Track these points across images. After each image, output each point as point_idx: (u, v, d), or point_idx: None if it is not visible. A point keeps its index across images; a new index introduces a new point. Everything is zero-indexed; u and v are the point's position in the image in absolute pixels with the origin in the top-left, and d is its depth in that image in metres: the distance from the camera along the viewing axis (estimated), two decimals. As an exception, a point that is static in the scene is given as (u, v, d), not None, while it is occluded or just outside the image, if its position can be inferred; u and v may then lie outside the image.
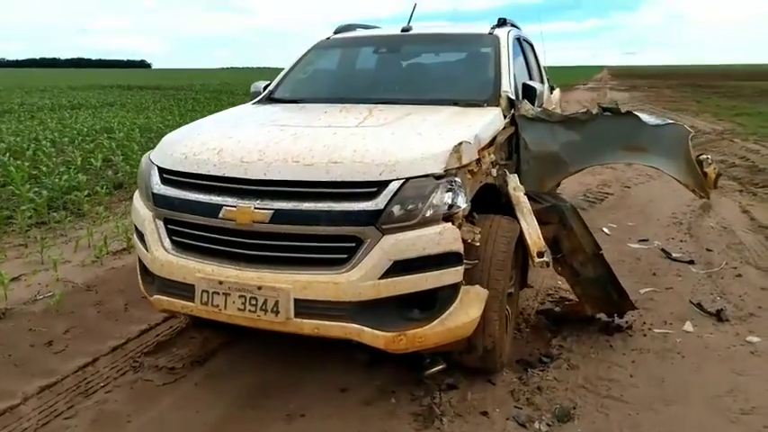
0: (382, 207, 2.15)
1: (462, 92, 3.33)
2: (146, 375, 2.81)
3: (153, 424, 2.44)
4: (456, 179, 2.33)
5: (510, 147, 3.18)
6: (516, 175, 3.00)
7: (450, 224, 2.23)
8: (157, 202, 2.48)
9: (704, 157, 2.92)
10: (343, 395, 2.66)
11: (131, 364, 2.91)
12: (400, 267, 2.17)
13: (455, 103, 3.11)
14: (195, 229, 2.38)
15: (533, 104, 3.30)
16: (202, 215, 2.33)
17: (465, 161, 2.39)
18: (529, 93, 3.32)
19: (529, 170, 3.26)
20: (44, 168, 6.82)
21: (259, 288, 2.21)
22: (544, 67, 5.23)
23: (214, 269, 2.29)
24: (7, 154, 7.83)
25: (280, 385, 2.72)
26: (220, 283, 2.27)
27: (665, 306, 3.65)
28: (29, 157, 7.71)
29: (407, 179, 2.20)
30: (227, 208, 2.25)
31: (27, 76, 66.68)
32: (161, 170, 2.51)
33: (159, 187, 2.47)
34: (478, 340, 2.58)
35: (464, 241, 2.41)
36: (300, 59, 3.90)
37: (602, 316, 3.38)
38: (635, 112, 3.02)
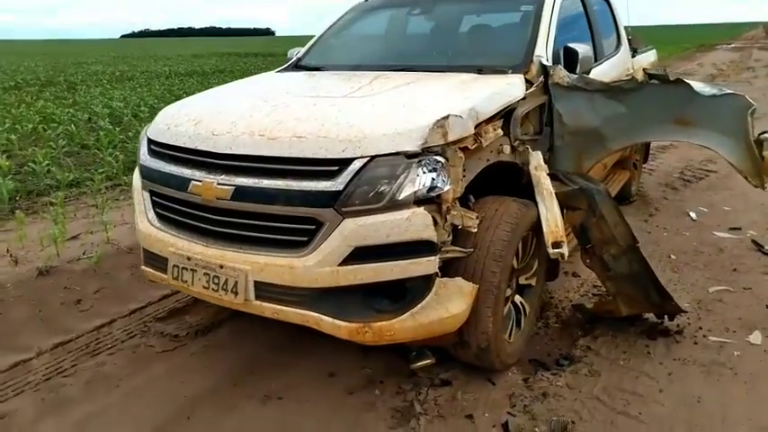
0: (341, 188, 1.95)
1: (490, 57, 2.97)
2: (150, 341, 2.88)
3: (136, 391, 2.49)
4: (437, 158, 2.06)
5: (540, 119, 2.80)
6: (539, 152, 2.63)
7: (420, 209, 1.98)
8: (143, 173, 2.47)
9: (766, 136, 2.36)
10: (328, 380, 2.55)
11: (141, 329, 3.00)
12: (362, 254, 1.97)
13: (479, 70, 2.78)
14: (172, 203, 2.34)
15: (575, 70, 2.87)
16: (175, 188, 2.28)
17: (453, 137, 2.11)
18: (570, 57, 2.89)
19: (563, 147, 2.85)
20: (131, 134, 7.30)
21: (221, 267, 2.13)
22: (627, 27, 4.60)
23: (184, 244, 2.25)
24: (107, 119, 8.49)
25: (270, 363, 2.66)
26: (188, 258, 2.22)
27: (734, 310, 3.11)
28: (126, 122, 8.30)
29: (373, 157, 1.98)
30: (194, 182, 2.18)
31: (162, 44, 72.43)
32: (149, 141, 2.49)
33: (145, 158, 2.46)
34: (471, 337, 2.33)
35: (455, 228, 2.16)
36: (333, 24, 3.71)
37: (650, 316, 2.95)
38: (686, 80, 2.50)
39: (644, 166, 5.84)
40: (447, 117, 2.09)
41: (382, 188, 1.96)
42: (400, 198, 1.97)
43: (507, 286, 2.44)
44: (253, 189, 2.06)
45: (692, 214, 4.74)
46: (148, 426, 2.26)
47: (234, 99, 2.64)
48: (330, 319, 2.03)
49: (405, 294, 2.07)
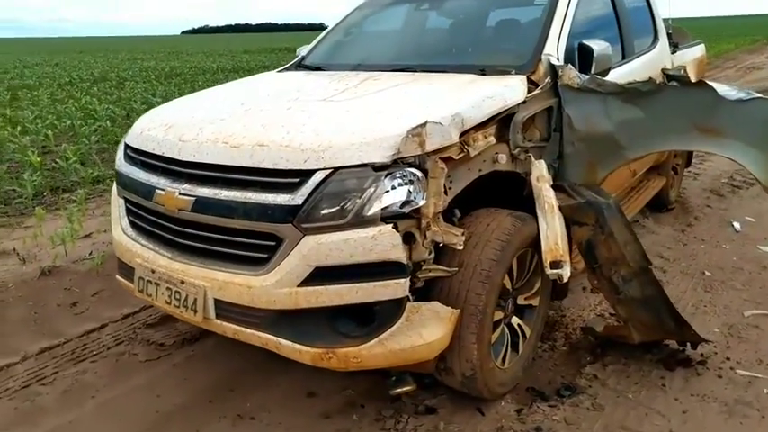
0: (301, 202, 1.79)
1: (495, 56, 2.74)
2: (135, 349, 2.81)
3: (110, 404, 2.41)
4: (412, 170, 1.87)
5: (548, 124, 2.55)
6: (542, 162, 2.39)
7: (387, 227, 1.79)
8: (117, 179, 2.38)
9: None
10: (306, 401, 2.40)
11: (130, 335, 2.93)
12: (323, 275, 1.80)
13: (482, 71, 2.56)
14: (142, 211, 2.24)
15: (589, 70, 2.60)
16: (143, 197, 2.17)
17: (432, 146, 1.91)
18: (584, 55, 2.63)
19: (574, 154, 2.59)
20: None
21: (182, 282, 2.01)
22: (667, 20, 4.23)
23: (150, 256, 2.14)
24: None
25: (250, 378, 2.54)
26: (153, 271, 2.11)
27: (770, 339, 2.78)
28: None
29: (336, 169, 1.80)
30: (158, 191, 2.06)
31: (218, 40, 74.16)
32: (125, 146, 2.40)
33: (120, 163, 2.37)
34: (455, 364, 2.13)
35: (436, 245, 1.97)
36: (340, 22, 3.54)
37: (672, 342, 2.66)
38: (708, 83, 2.20)
39: (687, 169, 5.44)
40: (424, 125, 1.89)
41: (345, 203, 1.78)
42: (366, 214, 1.79)
43: (496, 309, 2.22)
44: (213, 201, 1.92)
45: (736, 225, 4.34)
46: (114, 443, 2.18)
47: (214, 102, 2.51)
48: (290, 344, 1.88)
49: (373, 318, 1.89)
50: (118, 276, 2.44)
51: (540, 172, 2.36)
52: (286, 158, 1.83)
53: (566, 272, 2.26)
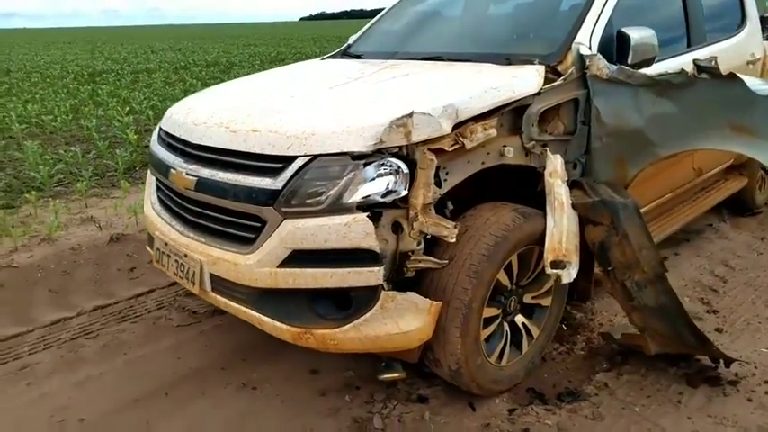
0: (281, 187, 1.86)
1: (523, 45, 2.64)
2: (171, 314, 3.06)
3: (138, 361, 2.65)
4: (394, 160, 1.87)
5: (575, 117, 2.41)
6: (559, 156, 2.28)
7: (362, 216, 1.81)
8: (150, 158, 2.59)
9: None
10: (307, 378, 2.49)
11: (170, 302, 3.19)
12: (300, 258, 1.87)
13: (508, 60, 2.48)
14: (164, 189, 2.43)
15: (626, 58, 2.43)
16: (162, 175, 2.35)
17: (419, 137, 1.90)
18: (622, 44, 2.45)
19: (602, 150, 2.44)
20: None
21: (185, 255, 2.17)
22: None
23: (165, 230, 2.32)
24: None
25: (263, 351, 2.67)
26: (166, 244, 2.29)
27: (824, 364, 2.47)
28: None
29: (316, 156, 1.85)
30: (172, 170, 2.23)
31: (333, 27, 76.27)
32: (159, 128, 2.60)
33: (153, 144, 2.57)
34: (441, 357, 2.13)
35: (425, 237, 1.97)
36: (389, 9, 3.54)
37: (705, 358, 2.45)
38: (739, 75, 1.97)
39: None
40: (410, 115, 1.88)
41: (321, 190, 1.83)
42: (342, 202, 1.83)
43: (491, 306, 2.18)
44: (210, 182, 2.05)
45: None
46: (130, 396, 2.40)
47: (240, 90, 2.64)
48: (271, 321, 1.97)
49: (350, 304, 1.93)
50: (147, 247, 2.67)
51: (554, 167, 2.26)
52: (272, 144, 1.91)
53: (568, 273, 2.16)
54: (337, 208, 1.83)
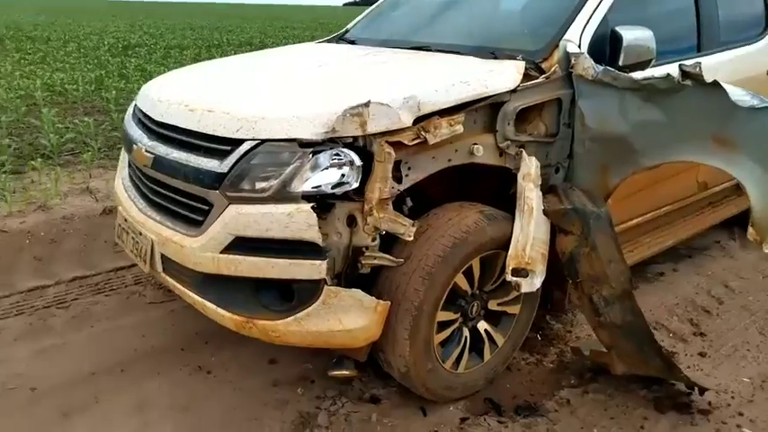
0: (226, 170, 1.80)
1: (512, 39, 2.51)
2: (145, 291, 3.05)
3: (101, 335, 2.65)
4: (346, 151, 1.80)
5: (558, 118, 2.29)
6: (534, 159, 2.16)
7: (306, 206, 1.74)
8: (122, 134, 2.57)
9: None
10: (264, 367, 2.46)
11: (147, 278, 3.19)
12: (242, 245, 1.81)
13: (493, 54, 2.37)
14: (131, 165, 2.40)
15: (618, 60, 2.29)
16: (127, 151, 2.33)
17: (375, 128, 1.81)
18: (614, 44, 2.32)
19: (585, 155, 2.32)
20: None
21: (140, 234, 2.14)
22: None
23: (127, 206, 2.29)
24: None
25: (226, 337, 2.61)
26: (125, 220, 2.27)
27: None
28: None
29: (263, 141, 1.79)
30: (134, 146, 2.20)
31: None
32: (135, 105, 2.58)
33: (127, 119, 2.54)
34: (390, 358, 2.06)
35: (381, 234, 1.89)
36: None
37: (681, 384, 2.32)
38: (721, 83, 1.82)
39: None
40: (367, 104, 1.80)
41: (267, 176, 1.77)
42: (287, 190, 1.76)
43: (450, 310, 2.10)
44: (165, 160, 2.01)
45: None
46: (87, 370, 2.40)
47: (216, 70, 2.59)
48: (214, 307, 1.92)
49: (292, 296, 1.87)
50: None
51: (527, 170, 2.15)
52: (224, 126, 1.85)
53: (531, 282, 2.06)
54: (282, 196, 1.76)
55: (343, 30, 3.44)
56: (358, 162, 1.81)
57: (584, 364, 2.49)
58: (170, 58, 13.46)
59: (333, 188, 1.80)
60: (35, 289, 3.04)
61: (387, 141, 1.84)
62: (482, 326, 2.27)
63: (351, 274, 1.93)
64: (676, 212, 3.19)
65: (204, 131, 1.90)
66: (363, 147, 1.85)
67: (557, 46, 2.29)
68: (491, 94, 2.05)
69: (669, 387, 2.34)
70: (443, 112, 1.96)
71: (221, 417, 2.16)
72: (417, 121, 1.90)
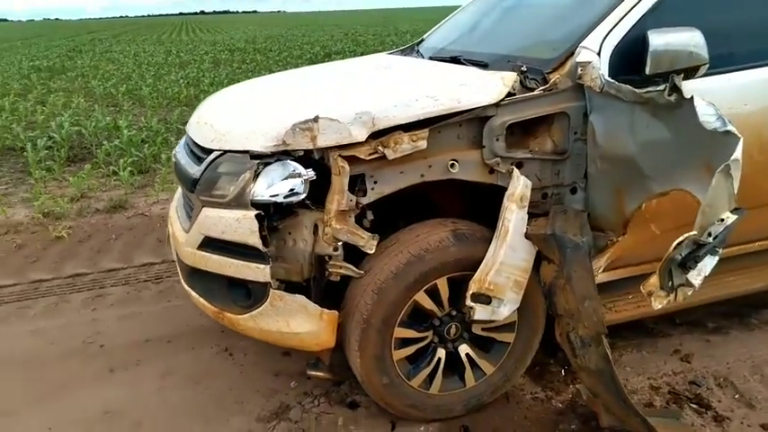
0: (198, 176, 2.03)
1: (530, 47, 2.30)
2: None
3: (172, 309, 3.08)
4: (293, 163, 1.90)
5: (567, 133, 2.07)
6: (524, 178, 1.99)
7: (250, 213, 1.87)
8: None
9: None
10: (276, 358, 2.63)
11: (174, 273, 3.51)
12: (210, 244, 2.02)
13: (485, 65, 2.26)
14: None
15: (645, 69, 1.98)
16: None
17: (326, 142, 1.87)
18: (642, 50, 2.00)
19: (598, 176, 2.05)
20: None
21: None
22: None
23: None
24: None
25: (219, 329, 2.73)
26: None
27: None
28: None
29: (225, 152, 1.97)
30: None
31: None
32: None
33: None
34: (352, 367, 2.11)
35: (342, 245, 1.97)
36: (462, 8, 3.36)
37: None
38: (696, 99, 1.43)
39: None
40: (316, 120, 1.87)
41: (223, 184, 1.95)
42: (242, 198, 1.92)
43: (418, 329, 2.07)
44: (179, 167, 2.31)
45: None
46: (145, 337, 2.84)
47: (257, 87, 2.81)
48: (197, 296, 2.18)
49: (250, 295, 2.04)
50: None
51: (513, 189, 1.99)
52: (205, 136, 2.09)
53: (491, 310, 1.93)
54: (238, 203, 1.92)
55: (419, 39, 3.46)
56: (305, 173, 1.89)
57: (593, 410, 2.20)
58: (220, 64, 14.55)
59: (285, 198, 1.91)
60: (145, 265, 3.67)
61: (341, 156, 1.89)
62: (464, 349, 2.17)
63: (321, 280, 2.03)
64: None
65: (197, 141, 2.16)
66: (320, 160, 1.92)
67: (572, 54, 2.06)
68: (465, 108, 1.95)
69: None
70: (409, 127, 1.93)
71: (219, 394, 2.42)
72: (378, 135, 1.91)
